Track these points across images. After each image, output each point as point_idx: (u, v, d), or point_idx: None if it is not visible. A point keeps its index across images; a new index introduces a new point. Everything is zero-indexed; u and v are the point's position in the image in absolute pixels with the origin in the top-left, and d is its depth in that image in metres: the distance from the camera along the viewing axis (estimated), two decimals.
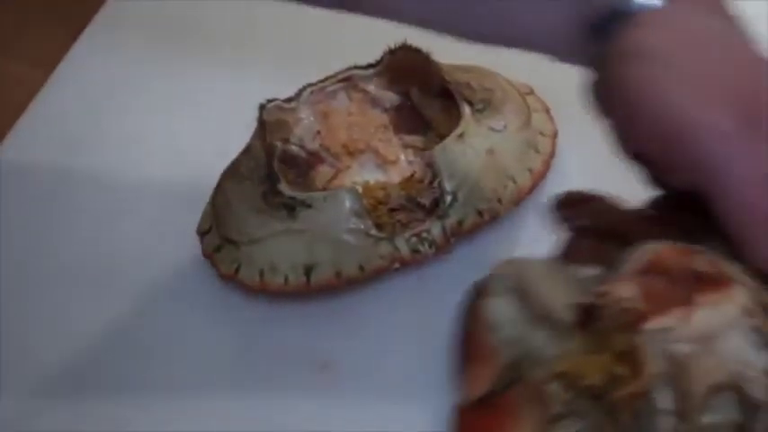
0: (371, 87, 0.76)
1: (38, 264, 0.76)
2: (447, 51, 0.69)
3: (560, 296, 0.53)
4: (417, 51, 0.73)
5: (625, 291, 0.50)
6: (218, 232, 0.70)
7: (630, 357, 0.47)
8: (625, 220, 0.55)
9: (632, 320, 0.48)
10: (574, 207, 0.58)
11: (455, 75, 0.73)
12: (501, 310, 0.55)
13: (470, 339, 0.57)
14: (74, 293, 0.74)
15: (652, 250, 0.51)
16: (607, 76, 0.51)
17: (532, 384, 0.52)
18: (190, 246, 0.73)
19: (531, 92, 0.78)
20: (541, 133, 0.74)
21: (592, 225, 0.57)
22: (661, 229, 0.52)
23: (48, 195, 0.80)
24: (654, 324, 0.48)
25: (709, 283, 0.48)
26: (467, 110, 0.71)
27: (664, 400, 0.47)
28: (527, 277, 0.55)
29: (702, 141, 0.47)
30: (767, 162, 0.47)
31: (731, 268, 0.50)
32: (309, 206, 0.65)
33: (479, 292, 0.58)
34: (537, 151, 0.73)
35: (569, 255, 0.57)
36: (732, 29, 0.51)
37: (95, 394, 0.68)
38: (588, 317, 0.50)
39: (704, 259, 0.50)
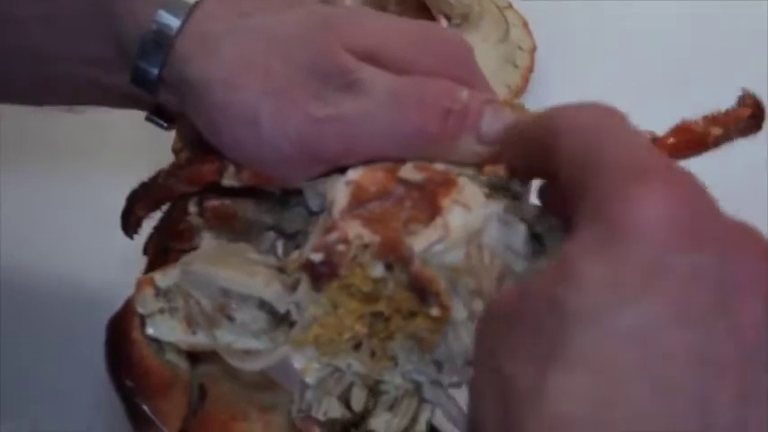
0: (349, 2, 0.75)
1: None
2: None
3: (252, 274, 0.48)
4: None
5: (351, 230, 0.45)
6: None
7: (415, 286, 0.44)
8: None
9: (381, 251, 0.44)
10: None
11: None
12: (161, 328, 0.50)
13: (135, 376, 0.50)
14: None
15: (347, 183, 0.47)
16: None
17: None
18: None
19: (510, 6, 0.76)
20: (520, 48, 0.73)
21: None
22: None
23: None
24: (419, 244, 0.44)
25: (437, 186, 0.45)
26: (444, 24, 0.70)
27: (459, 311, 0.45)
28: (199, 275, 0.49)
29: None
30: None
31: (438, 166, 0.47)
32: None
33: (120, 325, 0.51)
34: (515, 66, 0.72)
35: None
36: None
37: None
38: (321, 275, 0.45)
39: (409, 168, 0.46)
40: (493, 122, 0.46)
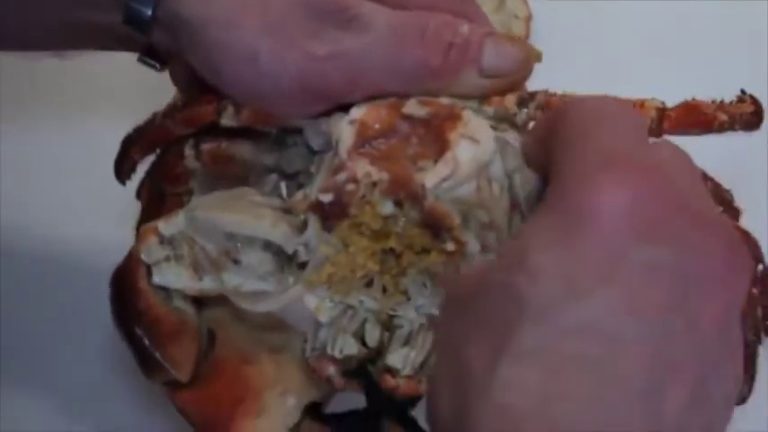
0: None
1: None
2: None
3: (258, 217, 0.47)
4: None
5: (359, 168, 0.44)
6: None
7: (427, 222, 0.44)
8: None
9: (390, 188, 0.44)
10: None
11: None
12: (168, 275, 0.49)
13: (145, 324, 0.49)
14: None
15: (351, 122, 0.46)
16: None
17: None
18: None
19: None
20: (516, 16, 0.72)
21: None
22: None
23: None
24: (430, 180, 0.44)
25: (442, 120, 0.45)
26: None
27: (472, 244, 0.45)
28: (204, 220, 0.48)
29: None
30: None
31: (443, 100, 0.46)
32: None
33: (126, 277, 0.50)
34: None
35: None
36: None
37: None
38: (331, 216, 0.45)
39: (413, 103, 0.46)
40: (494, 55, 0.46)
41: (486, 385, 0.34)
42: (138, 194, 0.57)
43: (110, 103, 0.71)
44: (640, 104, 0.47)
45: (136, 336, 0.50)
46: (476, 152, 0.45)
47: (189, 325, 0.51)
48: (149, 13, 0.48)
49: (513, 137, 0.46)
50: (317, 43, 0.46)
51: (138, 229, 0.57)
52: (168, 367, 0.50)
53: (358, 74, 0.46)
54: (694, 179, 0.37)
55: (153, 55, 0.52)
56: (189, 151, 0.52)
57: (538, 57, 0.47)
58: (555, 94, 0.48)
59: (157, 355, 0.50)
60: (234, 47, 0.47)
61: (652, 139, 0.39)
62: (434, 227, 0.44)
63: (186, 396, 0.51)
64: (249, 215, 0.48)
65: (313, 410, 0.51)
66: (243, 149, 0.52)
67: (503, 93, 0.47)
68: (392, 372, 0.47)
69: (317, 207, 0.45)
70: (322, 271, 0.46)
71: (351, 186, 0.45)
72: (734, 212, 0.49)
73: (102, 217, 0.65)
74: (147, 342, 0.50)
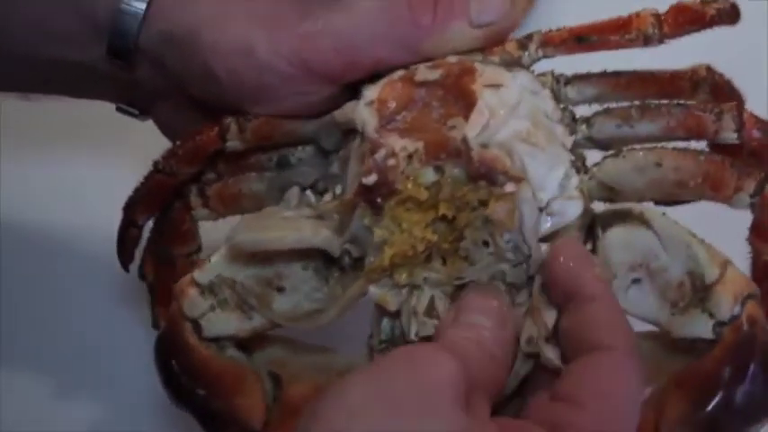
0: None
1: None
2: None
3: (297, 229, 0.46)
4: None
5: (395, 143, 0.44)
6: None
7: (478, 172, 0.42)
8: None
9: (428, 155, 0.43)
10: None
11: None
12: (217, 324, 0.47)
13: (206, 381, 0.47)
14: None
15: (368, 103, 0.46)
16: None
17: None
18: None
19: None
20: None
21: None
22: None
23: None
24: (471, 130, 0.43)
25: (458, 77, 0.45)
26: None
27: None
28: (247, 244, 0.46)
29: None
30: None
31: (450, 59, 0.46)
32: None
33: (172, 339, 0.47)
34: None
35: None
36: None
37: None
38: (379, 196, 0.44)
39: (422, 70, 0.46)
40: (480, 2, 0.46)
41: None
42: (141, 275, 0.55)
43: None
44: (636, 15, 0.47)
45: (198, 397, 0.47)
46: (502, 96, 0.45)
47: (248, 371, 0.48)
48: (134, 35, 0.47)
49: (525, 76, 0.47)
50: (308, 25, 0.46)
51: (153, 311, 0.54)
52: (242, 419, 0.47)
53: (353, 49, 0.46)
54: None
55: (132, 102, 0.51)
56: (195, 199, 0.50)
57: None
58: (551, 31, 0.48)
59: (227, 409, 0.47)
60: (229, 44, 0.47)
61: None
62: (487, 175, 0.43)
63: None
64: (287, 229, 0.46)
65: None
66: (249, 181, 0.50)
67: (500, 41, 0.48)
68: None
69: (363, 192, 0.44)
70: (384, 255, 0.44)
71: (392, 161, 0.44)
72: (737, 98, 0.49)
73: None
74: (211, 400, 0.47)
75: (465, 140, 0.43)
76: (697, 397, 0.42)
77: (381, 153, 0.44)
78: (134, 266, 0.55)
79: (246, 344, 0.49)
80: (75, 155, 0.68)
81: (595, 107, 0.48)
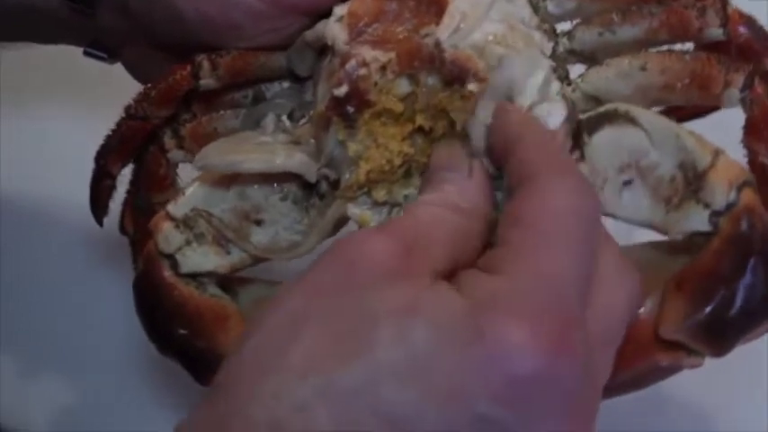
0: None
1: None
2: None
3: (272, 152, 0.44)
4: None
5: (366, 54, 0.42)
6: None
7: (451, 74, 0.41)
8: None
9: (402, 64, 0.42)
10: None
11: None
12: (195, 259, 0.45)
13: (186, 319, 0.45)
14: None
15: (339, 18, 0.44)
16: None
17: None
18: None
19: None
20: None
21: None
22: None
23: None
24: (443, 33, 0.42)
25: None
26: None
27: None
28: (218, 166, 0.44)
29: None
30: None
31: None
32: None
33: (150, 276, 0.45)
34: None
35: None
36: None
37: None
38: (352, 107, 0.42)
39: None
40: None
41: None
42: (122, 228, 0.53)
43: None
44: None
45: (179, 337, 0.45)
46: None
47: (231, 310, 0.46)
48: None
49: None
50: None
51: (136, 266, 0.53)
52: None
53: None
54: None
55: (101, 45, 0.49)
56: (169, 141, 0.49)
57: None
58: None
59: (210, 348, 0.45)
60: None
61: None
62: (461, 77, 0.42)
63: None
64: (262, 152, 0.44)
65: None
66: (224, 119, 0.49)
67: None
68: None
69: (335, 105, 0.42)
70: (360, 171, 0.43)
71: (363, 71, 0.42)
72: None
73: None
74: (193, 339, 0.45)
75: (438, 44, 0.42)
76: (697, 296, 0.40)
77: (352, 63, 0.42)
78: (112, 222, 0.53)
79: (229, 285, 0.47)
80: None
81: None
